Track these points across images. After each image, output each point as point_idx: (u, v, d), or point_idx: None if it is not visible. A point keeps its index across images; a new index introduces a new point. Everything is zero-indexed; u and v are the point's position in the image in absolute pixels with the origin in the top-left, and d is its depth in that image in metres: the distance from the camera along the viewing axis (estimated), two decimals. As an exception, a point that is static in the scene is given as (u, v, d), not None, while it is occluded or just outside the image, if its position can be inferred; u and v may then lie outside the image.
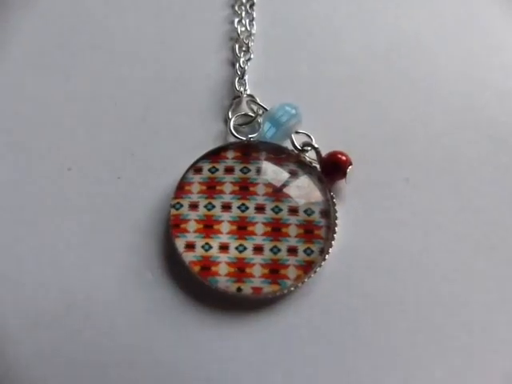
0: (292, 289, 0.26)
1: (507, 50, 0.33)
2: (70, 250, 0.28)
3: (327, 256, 0.26)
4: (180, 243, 0.27)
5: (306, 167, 0.28)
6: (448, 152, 0.30)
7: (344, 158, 0.28)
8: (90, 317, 0.26)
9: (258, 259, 0.26)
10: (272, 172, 0.28)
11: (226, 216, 0.27)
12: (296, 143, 0.29)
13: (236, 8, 0.34)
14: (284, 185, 0.28)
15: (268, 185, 0.28)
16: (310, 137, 0.29)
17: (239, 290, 0.26)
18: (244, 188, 0.28)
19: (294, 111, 0.29)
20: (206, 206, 0.27)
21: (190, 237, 0.27)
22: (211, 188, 0.28)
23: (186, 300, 0.26)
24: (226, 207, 0.27)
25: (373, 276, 0.27)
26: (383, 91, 0.32)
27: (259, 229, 0.27)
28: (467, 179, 0.29)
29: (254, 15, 0.34)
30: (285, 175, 0.28)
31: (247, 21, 0.34)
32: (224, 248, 0.26)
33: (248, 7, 0.34)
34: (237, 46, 0.32)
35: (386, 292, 0.27)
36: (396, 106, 0.31)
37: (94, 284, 0.27)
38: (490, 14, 0.34)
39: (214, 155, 0.28)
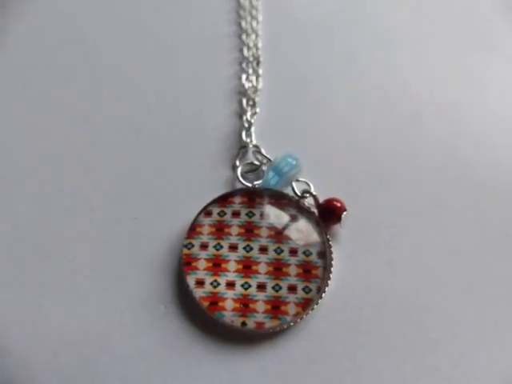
0: (291, 324, 0.28)
1: (488, 97, 0.36)
2: (89, 284, 0.30)
3: (324, 294, 0.29)
4: (191, 280, 0.29)
5: (305, 212, 0.31)
6: (433, 196, 0.33)
7: (339, 204, 0.31)
8: (106, 347, 0.28)
9: (261, 296, 0.29)
10: (274, 216, 0.31)
11: (232, 256, 0.30)
12: (296, 190, 0.32)
13: (243, 65, 0.38)
14: (285, 228, 0.31)
15: (271, 228, 0.30)
16: (308, 184, 0.32)
17: (244, 324, 0.28)
18: (249, 230, 0.30)
19: (294, 162, 0.32)
20: (214, 247, 0.30)
21: (200, 274, 0.29)
22: (220, 230, 0.30)
23: (195, 332, 0.29)
24: (233, 248, 0.30)
25: (366, 313, 0.29)
26: (377, 141, 0.35)
27: (262, 268, 0.29)
28: (452, 222, 0.32)
29: (260, 72, 0.37)
30: (286, 219, 0.31)
31: (254, 77, 0.37)
32: (231, 285, 0.29)
33: (255, 64, 0.38)
34: (244, 101, 0.36)
35: (378, 328, 0.29)
36: (387, 156, 0.34)
37: (110, 316, 0.29)
38: (473, 62, 0.38)
39: (223, 200, 0.31)
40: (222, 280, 0.29)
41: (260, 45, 0.38)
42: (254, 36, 0.39)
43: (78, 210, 0.32)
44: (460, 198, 0.33)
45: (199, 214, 0.31)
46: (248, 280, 0.29)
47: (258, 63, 0.38)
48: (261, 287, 0.29)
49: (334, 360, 0.28)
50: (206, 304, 0.28)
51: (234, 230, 0.30)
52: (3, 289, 0.30)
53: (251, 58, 0.38)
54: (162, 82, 0.37)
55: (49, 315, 0.29)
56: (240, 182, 0.32)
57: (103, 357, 0.28)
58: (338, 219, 0.31)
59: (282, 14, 0.40)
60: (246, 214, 0.31)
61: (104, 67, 0.38)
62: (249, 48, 0.38)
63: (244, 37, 0.39)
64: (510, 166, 0.34)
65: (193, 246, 0.30)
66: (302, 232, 0.30)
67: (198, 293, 0.29)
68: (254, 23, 0.39)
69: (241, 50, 0.38)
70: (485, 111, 0.36)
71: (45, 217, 0.32)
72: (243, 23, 0.39)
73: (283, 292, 0.29)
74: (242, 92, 0.36)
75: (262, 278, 0.29)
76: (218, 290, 0.29)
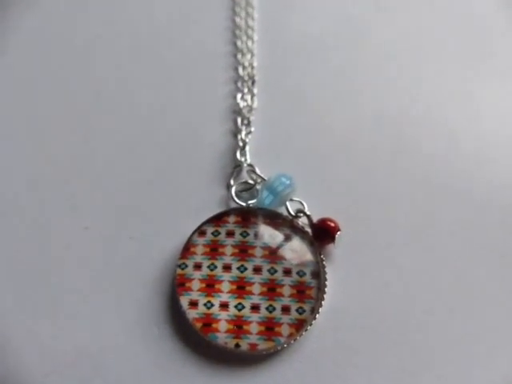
0: (285, 345, 0.28)
1: (484, 116, 0.37)
2: (83, 304, 0.30)
3: (317, 315, 0.29)
4: (184, 301, 0.29)
5: (299, 232, 0.31)
6: (428, 216, 0.33)
7: (333, 224, 0.31)
8: (99, 368, 0.28)
9: (254, 317, 0.29)
10: (268, 236, 0.31)
11: (226, 276, 0.30)
12: (290, 210, 0.32)
13: (239, 84, 0.38)
14: (279, 247, 0.31)
15: (265, 248, 0.31)
16: (302, 204, 0.32)
17: (237, 346, 0.28)
18: (243, 250, 0.30)
19: (288, 182, 0.32)
20: (208, 267, 0.30)
21: (194, 295, 0.29)
22: (214, 250, 0.30)
23: (188, 354, 0.29)
24: (227, 268, 0.30)
25: (360, 334, 0.29)
26: (371, 160, 0.35)
27: (256, 289, 0.29)
28: (447, 240, 0.32)
29: (255, 91, 0.38)
30: (280, 239, 0.31)
31: (249, 96, 0.37)
32: (224, 306, 0.29)
33: (250, 84, 0.38)
34: (239, 120, 0.36)
35: (373, 349, 0.29)
36: (381, 175, 0.34)
37: (104, 337, 0.29)
38: (469, 79, 0.38)
39: (217, 219, 0.31)
40: (216, 301, 0.29)
41: (255, 64, 0.39)
42: (249, 55, 0.39)
43: (72, 229, 0.32)
44: (456, 218, 0.33)
45: (193, 233, 0.31)
46: (242, 301, 0.29)
47: (253, 82, 0.38)
48: (254, 308, 0.29)
49: (328, 382, 0.28)
50: (199, 325, 0.28)
51: (228, 250, 0.30)
52: (-4, 308, 0.30)
53: (246, 77, 0.38)
54: (157, 100, 0.37)
55: (41, 335, 0.29)
56: (234, 201, 0.33)
57: (96, 378, 0.28)
58: (332, 239, 0.31)
59: (276, 34, 0.41)
60: (241, 234, 0.31)
61: (100, 82, 0.38)
62: (244, 67, 0.39)
63: (239, 56, 0.39)
64: (506, 184, 0.34)
65: (186, 266, 0.30)
66: (296, 252, 0.30)
67: (192, 314, 0.29)
68: (250, 43, 0.40)
69: (236, 69, 0.39)
70: (481, 130, 0.36)
71: (39, 235, 0.32)
72: (239, 43, 0.40)
73: (277, 313, 0.29)
74: (237, 111, 0.37)
75: (255, 299, 0.29)
76: (211, 311, 0.29)
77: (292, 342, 0.28)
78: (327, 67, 0.39)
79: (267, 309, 0.29)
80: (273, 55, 0.39)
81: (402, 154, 0.35)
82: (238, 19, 0.41)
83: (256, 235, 0.31)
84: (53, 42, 0.40)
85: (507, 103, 0.37)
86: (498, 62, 0.39)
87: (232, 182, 0.33)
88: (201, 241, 0.31)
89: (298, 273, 0.30)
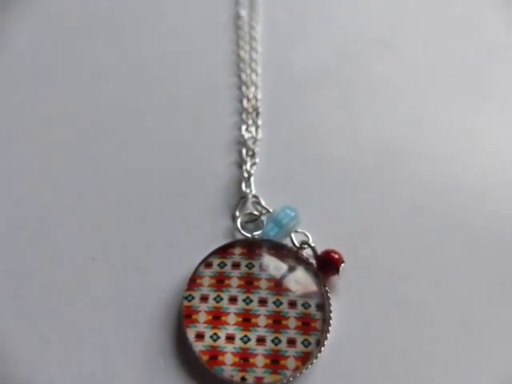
0: (291, 379, 0.28)
1: (483, 146, 0.37)
2: (88, 336, 0.30)
3: (323, 348, 0.29)
4: (191, 333, 0.29)
5: (304, 263, 0.31)
6: (432, 246, 0.33)
7: (337, 256, 0.31)
8: (104, 399, 0.28)
9: (260, 350, 0.29)
10: (273, 267, 0.31)
11: (232, 308, 0.30)
12: (295, 241, 0.32)
13: (243, 116, 0.39)
14: (284, 279, 0.31)
15: (270, 279, 0.31)
16: (307, 235, 0.32)
17: (243, 379, 0.28)
18: (249, 282, 0.31)
19: (293, 214, 0.32)
20: (215, 299, 0.30)
21: (200, 327, 0.29)
22: (220, 282, 0.31)
23: (194, 387, 0.29)
24: (233, 300, 0.30)
25: (364, 366, 0.29)
26: (374, 191, 0.35)
27: (262, 321, 0.29)
28: (448, 270, 0.32)
29: (259, 123, 0.38)
30: (285, 270, 0.31)
31: (253, 128, 0.38)
32: (230, 338, 0.29)
33: (254, 115, 0.39)
34: (244, 151, 0.36)
35: (378, 382, 0.29)
36: (383, 205, 0.35)
37: (108, 369, 0.29)
38: (468, 111, 0.39)
39: (223, 251, 0.32)
40: (222, 333, 0.29)
41: (259, 96, 0.40)
42: (253, 88, 0.40)
43: (79, 260, 0.33)
44: (458, 246, 0.33)
45: (199, 265, 0.31)
46: (247, 333, 0.29)
47: (257, 114, 0.39)
48: (260, 340, 0.29)
49: (334, 415, 0.28)
50: (205, 358, 0.28)
51: (234, 282, 0.31)
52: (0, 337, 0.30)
53: (251, 109, 0.39)
54: (162, 131, 0.38)
55: (45, 366, 0.29)
56: (240, 232, 0.33)
57: (101, 410, 0.28)
58: (336, 270, 0.31)
59: (280, 67, 0.42)
60: (246, 266, 0.31)
61: (102, 108, 0.39)
62: (248, 99, 0.39)
63: (244, 88, 0.40)
64: (505, 214, 0.34)
65: (193, 298, 0.30)
66: (301, 283, 0.31)
67: (198, 347, 0.29)
68: (254, 76, 0.41)
69: (241, 101, 0.40)
70: (484, 161, 0.37)
71: (45, 266, 0.32)
72: (243, 75, 0.41)
73: (283, 345, 0.29)
74: (242, 142, 0.37)
75: (261, 331, 0.29)
76: (217, 343, 0.29)
77: (298, 375, 0.28)
78: (328, 99, 0.40)
79: (273, 341, 0.29)
80: (276, 88, 0.40)
81: (403, 184, 0.36)
82: (242, 52, 0.42)
83: (261, 267, 0.31)
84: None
85: (506, 134, 0.38)
86: (498, 94, 0.40)
87: (237, 213, 0.34)
88: (207, 272, 0.31)
89: (303, 305, 0.30)
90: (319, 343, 0.29)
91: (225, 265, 0.31)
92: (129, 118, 0.39)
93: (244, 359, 0.28)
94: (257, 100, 0.40)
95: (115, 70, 0.41)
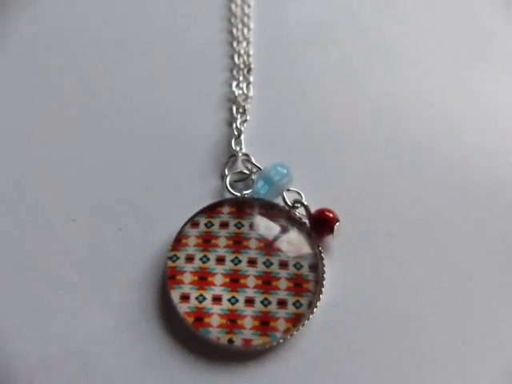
0: (281, 341, 0.27)
1: (487, 109, 0.36)
2: (69, 299, 0.29)
3: (315, 309, 0.28)
4: (175, 294, 0.28)
5: (296, 223, 0.30)
6: (429, 206, 0.32)
7: (331, 215, 0.30)
8: (86, 364, 0.27)
9: (249, 311, 0.27)
10: (264, 227, 0.30)
11: (219, 269, 0.28)
12: (287, 200, 0.31)
13: (234, 72, 0.37)
14: (275, 239, 0.29)
15: (260, 239, 0.29)
16: (300, 194, 0.31)
17: (230, 341, 0.27)
18: (237, 242, 0.29)
19: (285, 171, 0.31)
20: (201, 259, 0.29)
21: (185, 288, 0.28)
22: (207, 241, 0.29)
23: (179, 350, 0.27)
24: (220, 260, 0.29)
25: (358, 329, 0.28)
26: (369, 151, 0.34)
27: (251, 281, 0.28)
28: (447, 233, 0.31)
29: (251, 79, 0.37)
30: (276, 230, 0.30)
31: (244, 84, 0.36)
32: (217, 300, 0.27)
33: (245, 72, 0.37)
34: (234, 108, 0.35)
35: (371, 345, 0.27)
36: (380, 166, 0.33)
37: (91, 333, 0.28)
38: (472, 74, 0.37)
39: (211, 210, 0.30)
40: (208, 294, 0.28)
41: (251, 52, 0.38)
42: (245, 43, 0.38)
43: (60, 221, 0.31)
44: (457, 208, 0.32)
45: (185, 224, 0.30)
46: (235, 294, 0.28)
47: (248, 70, 0.37)
48: (249, 302, 0.27)
49: (325, 379, 0.27)
50: (190, 320, 0.27)
51: (222, 242, 0.29)
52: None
53: (242, 66, 0.37)
54: (150, 88, 0.36)
55: (26, 332, 0.28)
56: (229, 191, 0.31)
57: (83, 375, 0.27)
58: (331, 230, 0.29)
59: (273, 22, 0.39)
60: (235, 225, 0.30)
61: (97, 75, 0.37)
62: (240, 55, 0.37)
63: (235, 44, 0.38)
64: (506, 178, 0.33)
65: (178, 258, 0.29)
66: (293, 244, 0.29)
67: (183, 308, 0.27)
68: (246, 30, 0.39)
69: (232, 57, 0.38)
70: (483, 123, 0.35)
71: (25, 228, 0.31)
72: (234, 30, 0.39)
73: (272, 307, 0.27)
74: (232, 99, 0.35)
75: (250, 293, 0.28)
76: (203, 304, 0.27)
77: (288, 337, 0.27)
78: (325, 57, 0.38)
79: (262, 302, 0.27)
80: (269, 43, 0.38)
81: (401, 146, 0.34)
82: (233, 6, 0.40)
83: (251, 226, 0.30)
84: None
85: (507, 97, 0.36)
86: (497, 57, 0.38)
87: (226, 171, 0.32)
88: (193, 232, 0.29)
89: (295, 265, 0.28)
90: (311, 305, 0.28)
91: (212, 224, 0.30)
92: (117, 77, 0.37)
93: (231, 321, 0.27)
94: (248, 56, 0.38)
95: (107, 35, 0.39)
